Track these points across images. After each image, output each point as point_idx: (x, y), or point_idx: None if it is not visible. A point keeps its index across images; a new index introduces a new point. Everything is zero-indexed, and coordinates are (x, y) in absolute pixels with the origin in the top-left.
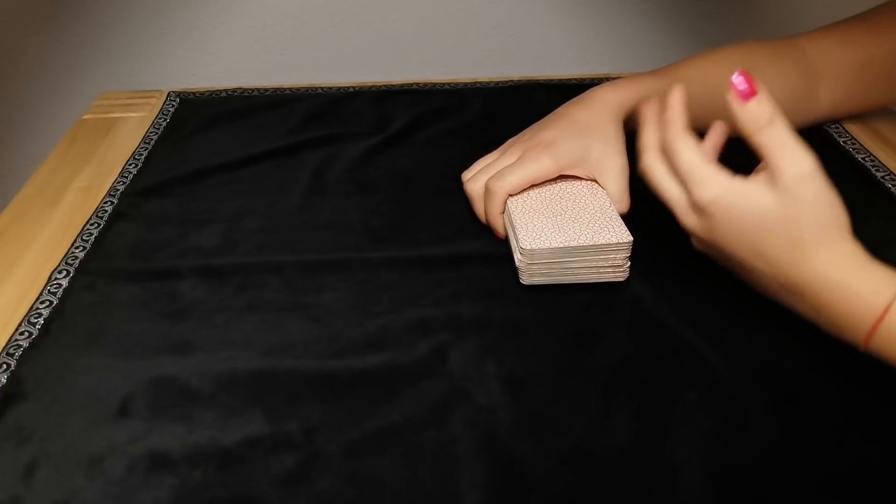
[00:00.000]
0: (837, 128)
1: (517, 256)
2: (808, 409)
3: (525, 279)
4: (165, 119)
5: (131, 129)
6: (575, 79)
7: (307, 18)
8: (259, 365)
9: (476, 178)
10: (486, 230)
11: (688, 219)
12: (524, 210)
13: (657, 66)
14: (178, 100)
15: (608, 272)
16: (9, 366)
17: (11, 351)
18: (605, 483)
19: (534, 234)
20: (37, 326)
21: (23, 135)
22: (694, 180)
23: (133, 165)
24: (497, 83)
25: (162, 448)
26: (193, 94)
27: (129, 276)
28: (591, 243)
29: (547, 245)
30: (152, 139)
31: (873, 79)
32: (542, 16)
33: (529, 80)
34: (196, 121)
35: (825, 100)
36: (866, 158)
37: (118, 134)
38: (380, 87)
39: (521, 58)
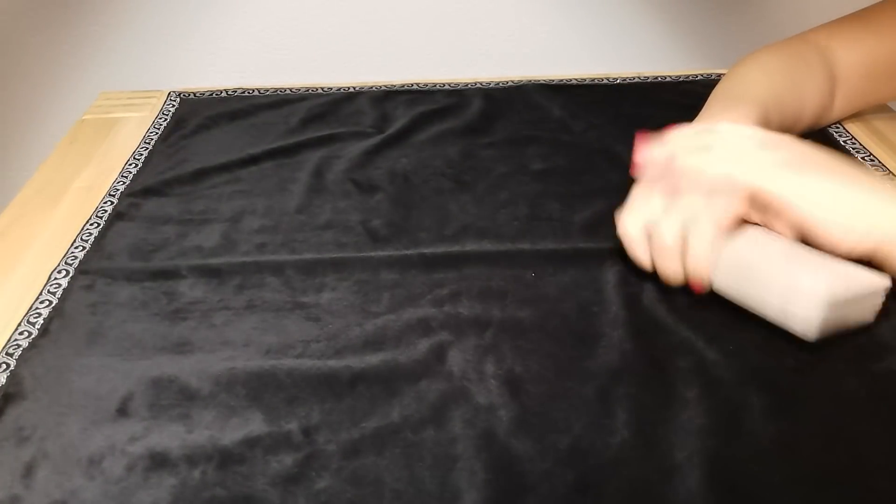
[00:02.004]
0: (837, 127)
1: (802, 310)
2: (806, 407)
3: (813, 335)
4: (166, 119)
5: (131, 129)
6: (575, 79)
7: (307, 18)
8: (258, 365)
9: (634, 220)
10: (486, 230)
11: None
12: (756, 252)
13: (657, 67)
14: (178, 100)
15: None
16: (8, 365)
17: (11, 351)
18: (604, 482)
19: (813, 282)
20: (36, 326)
21: (23, 135)
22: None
23: (133, 165)
24: (497, 83)
25: (161, 448)
26: (194, 94)
27: (129, 276)
28: (872, 285)
29: (842, 293)
30: (152, 139)
31: (878, 81)
32: (542, 16)
33: (529, 80)
34: (196, 121)
35: (837, 103)
36: (866, 158)
37: (118, 134)
38: (380, 87)
39: (521, 58)
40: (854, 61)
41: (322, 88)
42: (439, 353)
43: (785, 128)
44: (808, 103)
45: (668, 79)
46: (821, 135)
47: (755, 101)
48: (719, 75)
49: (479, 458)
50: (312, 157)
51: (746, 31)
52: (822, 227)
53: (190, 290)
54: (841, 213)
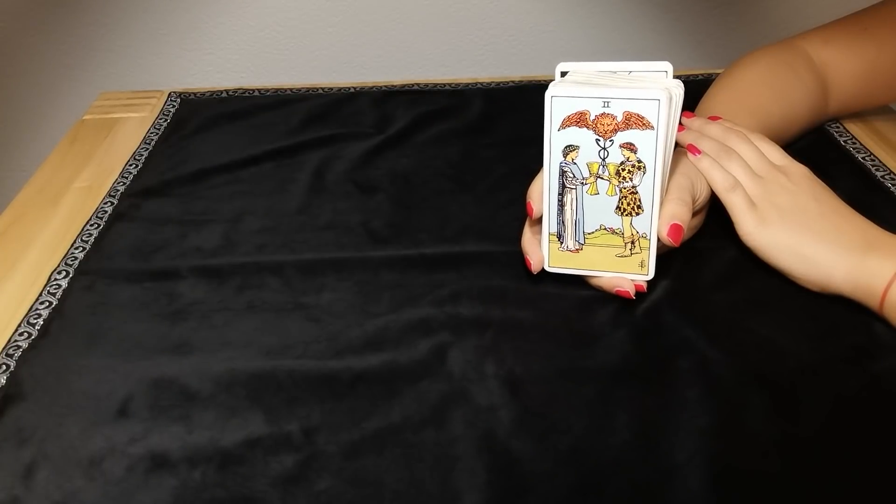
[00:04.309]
0: (838, 127)
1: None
2: (807, 408)
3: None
4: (166, 119)
5: (132, 129)
6: None
7: (308, 19)
8: (258, 365)
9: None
10: (486, 231)
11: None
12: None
13: None
14: (178, 100)
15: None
16: (8, 366)
17: (11, 352)
18: (604, 483)
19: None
20: (36, 327)
21: (23, 135)
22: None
23: (133, 166)
24: (497, 83)
25: (161, 449)
26: (194, 94)
27: (129, 277)
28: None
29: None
30: (153, 139)
31: (877, 86)
32: (542, 16)
33: (529, 80)
34: (196, 121)
35: (832, 105)
36: (866, 158)
37: (118, 134)
38: (380, 87)
39: (521, 58)
40: (852, 69)
41: (322, 88)
42: (440, 354)
43: (774, 137)
44: (797, 112)
45: None
46: (821, 136)
47: (746, 114)
48: (719, 75)
49: (479, 458)
50: (313, 158)
51: (746, 31)
52: (786, 272)
53: (190, 290)
54: (800, 267)
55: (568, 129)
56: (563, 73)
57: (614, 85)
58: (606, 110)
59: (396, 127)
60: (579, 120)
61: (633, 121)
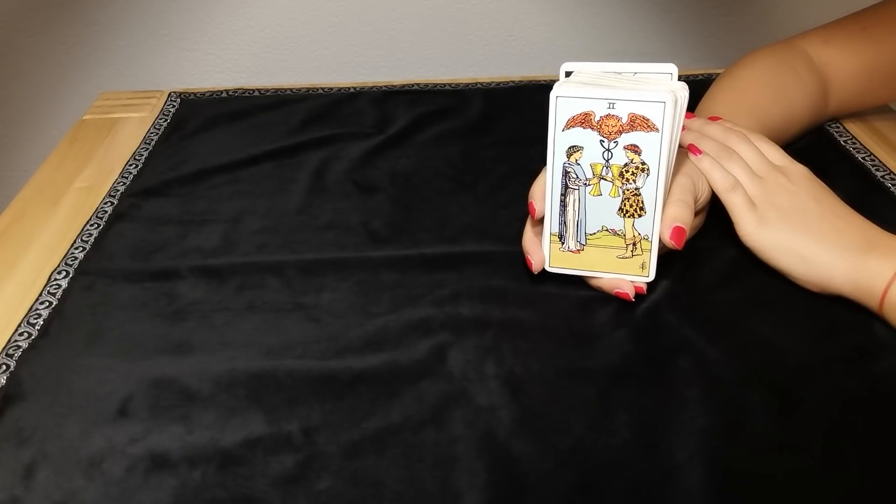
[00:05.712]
0: (838, 127)
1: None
2: (807, 408)
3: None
4: (166, 119)
5: (132, 129)
6: None
7: (308, 19)
8: (258, 365)
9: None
10: (486, 231)
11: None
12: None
13: None
14: (178, 100)
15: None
16: (8, 366)
17: (11, 352)
18: (605, 483)
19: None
20: (36, 327)
21: (23, 135)
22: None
23: (133, 166)
24: (497, 83)
25: (161, 449)
26: (194, 94)
27: (129, 277)
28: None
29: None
30: (153, 140)
31: (876, 85)
32: (542, 16)
33: (529, 80)
34: (196, 121)
35: (832, 105)
36: (866, 158)
37: (118, 134)
38: (380, 87)
39: (521, 58)
40: (852, 68)
41: (322, 89)
42: (440, 354)
43: (774, 137)
44: (797, 112)
45: None
46: (821, 136)
47: (746, 114)
48: (719, 76)
49: (479, 458)
50: (313, 158)
51: (746, 31)
52: (786, 273)
53: (190, 290)
54: (799, 267)
55: (572, 129)
56: (568, 74)
57: (619, 86)
58: (611, 112)
59: (396, 127)
60: (584, 121)
61: (638, 123)
